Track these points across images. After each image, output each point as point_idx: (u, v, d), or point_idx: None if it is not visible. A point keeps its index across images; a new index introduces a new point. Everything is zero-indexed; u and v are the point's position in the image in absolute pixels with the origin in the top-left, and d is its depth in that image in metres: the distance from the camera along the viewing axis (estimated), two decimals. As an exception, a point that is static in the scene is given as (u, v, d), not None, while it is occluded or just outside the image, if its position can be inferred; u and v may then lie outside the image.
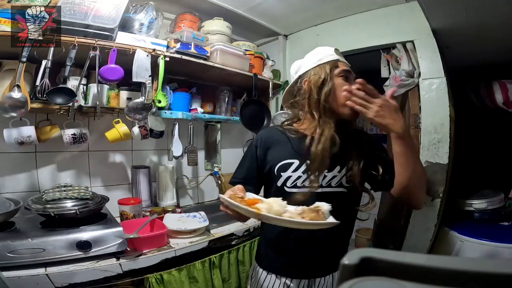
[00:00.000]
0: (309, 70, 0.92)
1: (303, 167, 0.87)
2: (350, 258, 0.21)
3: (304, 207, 0.71)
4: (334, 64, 0.89)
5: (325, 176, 0.86)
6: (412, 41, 1.54)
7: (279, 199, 0.72)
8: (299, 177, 0.87)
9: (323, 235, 0.81)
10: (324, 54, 0.92)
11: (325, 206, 0.70)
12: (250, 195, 0.76)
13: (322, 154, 0.82)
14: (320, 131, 0.85)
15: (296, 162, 0.88)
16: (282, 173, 0.89)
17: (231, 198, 0.69)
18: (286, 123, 0.99)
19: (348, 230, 0.99)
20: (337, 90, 0.86)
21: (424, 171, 0.89)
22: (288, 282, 0.91)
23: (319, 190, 0.85)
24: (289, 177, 0.88)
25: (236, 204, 0.64)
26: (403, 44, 1.57)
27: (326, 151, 0.82)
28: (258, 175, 0.94)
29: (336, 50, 0.94)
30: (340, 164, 0.86)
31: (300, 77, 0.95)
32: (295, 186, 0.87)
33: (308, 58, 0.95)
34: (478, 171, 2.05)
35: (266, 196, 0.94)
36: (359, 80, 0.78)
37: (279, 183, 0.89)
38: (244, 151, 1.17)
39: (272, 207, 0.63)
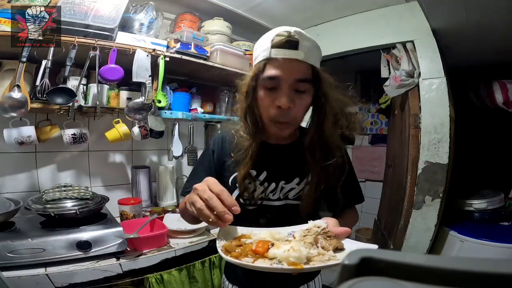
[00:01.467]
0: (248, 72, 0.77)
1: (262, 175, 0.77)
2: (350, 258, 0.21)
3: (303, 228, 0.59)
4: (262, 66, 0.69)
5: (282, 188, 0.77)
6: (412, 41, 1.55)
7: (269, 231, 0.59)
8: (256, 188, 0.77)
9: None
10: (260, 48, 0.71)
11: (322, 224, 0.58)
12: (249, 231, 0.60)
13: (278, 163, 0.75)
14: (253, 142, 0.75)
15: (253, 172, 0.77)
16: (237, 185, 0.78)
17: (226, 249, 0.53)
18: (235, 129, 0.84)
19: None
20: (259, 102, 0.72)
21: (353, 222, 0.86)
22: None
23: (277, 203, 0.77)
24: (245, 189, 0.77)
25: (248, 265, 0.48)
26: (403, 44, 1.58)
27: (281, 160, 0.75)
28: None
29: (275, 39, 0.67)
30: (299, 176, 0.77)
31: None
32: (251, 199, 0.77)
33: (254, 51, 0.77)
34: (478, 171, 2.06)
35: None
36: None
37: (233, 196, 0.77)
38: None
39: (302, 253, 0.47)
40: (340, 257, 0.49)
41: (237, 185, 0.78)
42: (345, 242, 0.55)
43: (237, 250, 0.51)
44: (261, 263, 0.48)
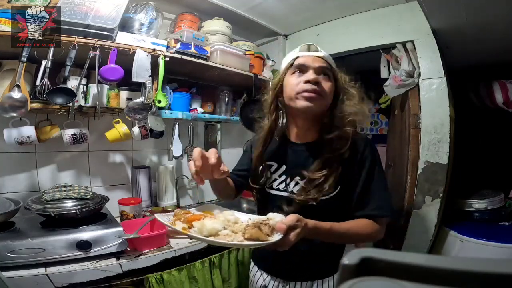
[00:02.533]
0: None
1: (280, 170, 0.88)
2: (350, 258, 0.21)
3: (258, 218, 0.68)
4: (290, 63, 0.85)
5: (297, 183, 0.83)
6: (412, 41, 1.55)
7: (232, 213, 0.72)
8: (274, 179, 0.88)
9: (308, 242, 0.72)
10: (287, 58, 0.88)
11: (277, 218, 0.64)
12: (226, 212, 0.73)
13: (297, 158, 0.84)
14: (294, 135, 0.87)
15: (275, 165, 0.88)
16: (263, 174, 0.89)
17: (176, 214, 0.69)
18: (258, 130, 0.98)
19: None
20: (286, 87, 0.84)
21: (355, 238, 0.82)
22: (278, 283, 0.89)
23: (292, 196, 0.82)
24: (269, 178, 0.89)
25: (167, 225, 0.65)
26: (403, 44, 1.57)
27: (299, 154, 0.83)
28: (248, 171, 0.96)
29: (302, 46, 0.86)
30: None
31: None
32: (271, 188, 0.88)
33: (282, 65, 0.91)
34: (478, 171, 2.05)
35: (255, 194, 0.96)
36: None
37: (261, 182, 0.90)
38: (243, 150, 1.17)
39: (204, 226, 0.60)
40: (242, 242, 0.60)
41: (263, 174, 0.89)
42: (275, 236, 0.61)
43: (182, 218, 0.67)
44: (178, 226, 0.63)
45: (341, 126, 0.80)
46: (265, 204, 0.91)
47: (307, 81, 0.78)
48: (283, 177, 0.87)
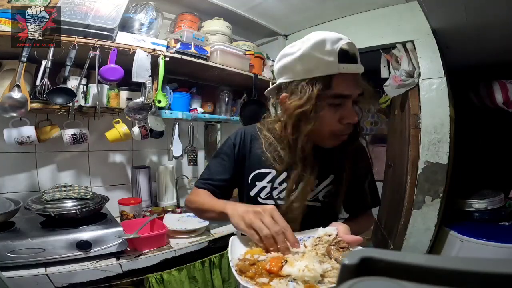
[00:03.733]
0: (293, 81, 0.69)
1: (280, 178, 0.78)
2: (350, 258, 0.21)
3: (313, 238, 0.59)
4: (326, 81, 0.64)
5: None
6: (412, 41, 1.55)
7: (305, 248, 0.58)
8: (274, 188, 0.78)
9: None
10: (319, 58, 0.64)
11: (332, 231, 0.58)
12: (240, 249, 0.59)
13: (301, 169, 0.72)
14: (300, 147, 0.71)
15: (273, 172, 0.78)
16: (257, 182, 0.80)
17: (241, 269, 0.52)
18: (269, 125, 0.83)
19: None
20: (322, 124, 0.67)
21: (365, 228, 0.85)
22: None
23: (312, 203, 0.78)
24: (263, 187, 0.79)
25: None
26: (403, 44, 1.57)
27: (307, 165, 0.73)
28: (232, 178, 0.83)
29: (343, 48, 0.65)
30: (318, 178, 0.77)
31: (281, 86, 0.74)
32: (269, 198, 0.79)
33: (296, 59, 0.68)
34: (478, 171, 2.05)
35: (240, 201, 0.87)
36: None
37: (252, 193, 0.81)
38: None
39: (316, 271, 0.47)
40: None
41: (256, 182, 0.80)
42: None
43: (251, 271, 0.50)
44: (277, 284, 0.47)
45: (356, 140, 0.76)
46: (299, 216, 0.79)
47: (348, 123, 0.67)
48: (284, 184, 0.77)
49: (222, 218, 0.70)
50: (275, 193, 0.79)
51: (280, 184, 0.78)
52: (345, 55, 0.65)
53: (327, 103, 0.66)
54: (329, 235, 0.57)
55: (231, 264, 0.54)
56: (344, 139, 0.72)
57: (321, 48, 0.65)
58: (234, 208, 0.65)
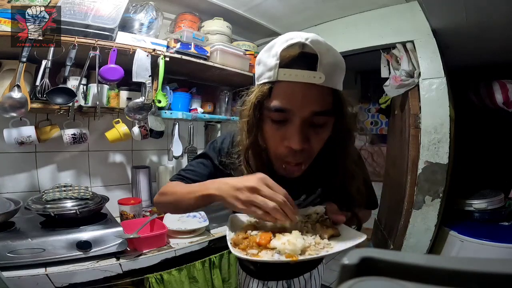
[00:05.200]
0: (250, 92, 0.62)
1: None
2: (350, 258, 0.21)
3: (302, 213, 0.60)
4: (267, 90, 0.55)
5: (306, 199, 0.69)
6: (412, 41, 1.55)
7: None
8: None
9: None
10: (264, 62, 0.57)
11: (318, 209, 0.60)
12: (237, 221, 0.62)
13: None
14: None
15: None
16: None
17: (235, 242, 0.54)
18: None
19: None
20: (266, 134, 0.60)
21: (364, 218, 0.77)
22: (268, 283, 0.86)
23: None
24: None
25: (252, 259, 0.51)
26: (403, 44, 1.57)
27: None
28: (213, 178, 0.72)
29: (285, 52, 0.54)
30: (305, 193, 0.66)
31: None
32: None
33: (257, 64, 0.61)
34: (478, 171, 2.05)
35: None
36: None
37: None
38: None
39: (296, 246, 0.50)
40: (334, 245, 0.53)
41: None
42: (341, 229, 0.58)
43: (244, 242, 0.55)
44: (264, 255, 0.52)
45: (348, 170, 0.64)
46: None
47: (289, 148, 0.56)
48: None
49: (204, 203, 0.60)
50: None
51: None
52: (294, 58, 0.54)
53: (269, 117, 0.57)
54: (317, 213, 0.60)
55: (227, 238, 0.57)
56: (291, 168, 0.59)
57: (270, 46, 0.56)
58: (220, 188, 0.55)
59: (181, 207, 0.67)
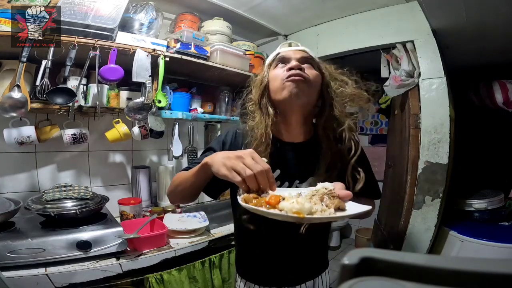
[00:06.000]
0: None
1: (276, 174, 0.78)
2: (350, 258, 0.21)
3: (309, 190, 0.63)
4: (274, 58, 0.83)
5: (296, 187, 0.77)
6: (412, 41, 1.55)
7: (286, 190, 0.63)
8: None
9: (301, 242, 0.80)
10: (270, 57, 0.86)
11: (328, 186, 0.62)
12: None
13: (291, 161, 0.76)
14: (265, 138, 0.75)
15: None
16: None
17: (245, 200, 0.58)
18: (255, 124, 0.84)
19: (324, 235, 0.94)
20: (271, 81, 0.80)
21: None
22: None
23: None
24: None
25: (258, 209, 0.54)
26: (403, 44, 1.57)
27: (291, 159, 0.76)
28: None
29: (284, 44, 0.86)
30: (299, 178, 0.79)
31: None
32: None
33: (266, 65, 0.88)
34: (478, 171, 2.06)
35: (232, 202, 0.88)
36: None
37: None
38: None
39: (304, 206, 0.53)
40: (325, 215, 0.55)
41: None
42: (347, 204, 0.59)
43: (254, 201, 0.57)
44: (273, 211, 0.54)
45: (340, 122, 0.77)
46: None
47: (290, 68, 0.76)
48: (279, 182, 0.78)
49: (202, 175, 0.68)
50: None
51: (276, 180, 0.77)
52: (288, 45, 0.86)
53: (275, 65, 0.81)
54: (326, 188, 0.62)
55: (238, 197, 0.59)
56: (293, 85, 0.75)
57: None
58: (213, 157, 0.64)
59: (186, 187, 0.74)
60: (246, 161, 0.58)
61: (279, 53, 0.83)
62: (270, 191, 0.59)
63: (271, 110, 0.78)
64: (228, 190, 0.88)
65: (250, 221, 0.74)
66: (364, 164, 0.80)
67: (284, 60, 0.80)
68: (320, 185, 0.63)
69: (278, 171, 0.78)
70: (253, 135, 0.79)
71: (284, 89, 0.76)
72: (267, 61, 0.86)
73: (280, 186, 0.77)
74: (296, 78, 0.75)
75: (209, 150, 0.85)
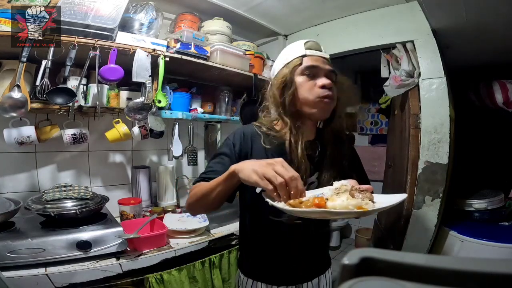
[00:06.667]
0: (277, 73, 0.86)
1: None
2: (350, 258, 0.21)
3: (331, 189, 0.65)
4: (298, 61, 0.82)
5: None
6: (412, 41, 1.55)
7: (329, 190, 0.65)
8: None
9: (302, 240, 0.84)
10: (291, 52, 0.85)
11: (345, 183, 0.65)
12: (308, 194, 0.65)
13: (299, 162, 0.78)
14: (294, 138, 0.80)
15: None
16: None
17: (292, 205, 0.58)
18: (264, 125, 0.88)
19: (326, 234, 0.99)
20: (299, 89, 0.81)
21: None
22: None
23: None
24: None
25: (310, 211, 0.55)
26: (403, 44, 1.57)
27: (302, 159, 0.79)
28: None
29: (308, 43, 0.84)
30: (318, 170, 0.84)
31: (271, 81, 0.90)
32: None
33: (278, 59, 0.89)
34: (478, 171, 2.05)
35: (242, 202, 0.90)
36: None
37: (258, 189, 0.78)
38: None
39: (359, 202, 0.55)
40: (380, 203, 0.57)
41: None
42: (374, 196, 0.60)
43: (302, 206, 0.57)
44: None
45: (341, 126, 0.86)
46: (256, 207, 0.83)
47: (323, 86, 0.79)
48: None
49: (229, 185, 0.68)
50: None
51: None
52: (312, 46, 0.84)
53: (303, 74, 0.81)
54: (345, 185, 0.63)
55: (277, 205, 0.58)
56: (326, 105, 0.80)
57: (293, 45, 0.87)
58: (241, 165, 0.65)
59: (212, 197, 0.73)
60: (277, 168, 0.59)
61: (305, 55, 0.82)
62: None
63: (294, 115, 0.82)
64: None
65: (288, 218, 0.76)
66: (357, 159, 0.95)
67: (313, 71, 0.81)
68: (337, 183, 0.66)
69: (316, 174, 0.84)
70: (272, 138, 0.83)
71: (315, 105, 0.80)
72: (287, 57, 0.84)
73: None
74: (329, 100, 0.80)
75: (220, 155, 0.85)
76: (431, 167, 1.51)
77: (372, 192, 0.62)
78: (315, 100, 0.79)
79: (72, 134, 1.29)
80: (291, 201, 0.57)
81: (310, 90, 0.80)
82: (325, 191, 0.66)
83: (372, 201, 0.58)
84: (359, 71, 2.94)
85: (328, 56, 0.85)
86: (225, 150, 0.85)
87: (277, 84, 0.83)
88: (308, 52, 0.82)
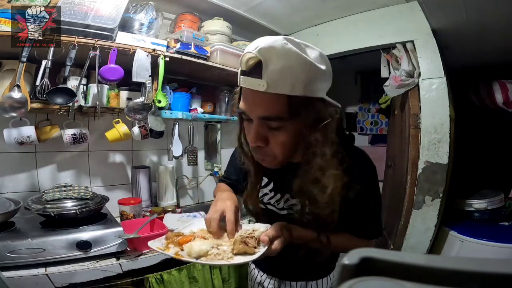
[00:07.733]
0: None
1: (270, 185, 0.78)
2: (350, 258, 0.21)
3: (245, 230, 0.67)
4: (239, 89, 0.64)
5: (287, 200, 0.76)
6: (412, 41, 1.55)
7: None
8: (265, 194, 0.79)
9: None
10: (240, 63, 0.63)
11: (261, 228, 0.65)
12: (193, 227, 0.72)
13: (283, 176, 0.70)
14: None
15: (265, 180, 0.77)
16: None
17: (168, 237, 0.71)
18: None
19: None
20: (246, 133, 0.66)
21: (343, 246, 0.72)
22: (273, 281, 0.89)
23: (281, 212, 0.78)
24: (265, 193, 0.80)
25: (160, 252, 0.68)
26: (403, 44, 1.58)
27: (285, 173, 0.68)
28: (242, 178, 0.83)
29: (248, 62, 0.59)
30: (280, 192, 0.78)
31: None
32: (261, 202, 0.80)
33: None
34: (478, 171, 2.06)
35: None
36: None
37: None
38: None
39: (193, 249, 0.61)
40: (234, 259, 0.60)
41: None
42: (264, 248, 0.62)
43: (171, 239, 0.70)
44: (171, 251, 0.66)
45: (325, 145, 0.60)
46: (257, 214, 0.83)
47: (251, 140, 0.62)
48: (273, 193, 0.78)
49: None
50: (265, 198, 0.81)
51: (270, 191, 0.79)
52: (250, 66, 0.59)
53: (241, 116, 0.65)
54: (254, 230, 0.66)
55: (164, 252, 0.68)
56: (264, 162, 0.65)
57: (246, 49, 0.60)
58: (212, 205, 0.72)
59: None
60: (214, 210, 0.69)
61: (241, 87, 0.61)
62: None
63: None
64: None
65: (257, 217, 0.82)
66: (360, 199, 0.65)
67: (245, 115, 0.61)
68: (256, 225, 0.69)
69: (272, 184, 0.78)
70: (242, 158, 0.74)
71: (253, 151, 0.66)
72: (240, 67, 0.62)
73: (272, 197, 0.80)
74: (261, 158, 0.65)
75: (231, 156, 0.93)
76: (431, 167, 1.51)
77: (275, 239, 0.61)
78: (253, 150, 0.65)
79: (72, 134, 1.29)
80: (169, 234, 0.71)
81: (248, 134, 0.63)
82: (262, 228, 0.66)
83: (249, 252, 0.60)
84: (359, 71, 2.94)
85: (265, 85, 0.53)
86: (235, 152, 0.89)
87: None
88: (242, 80, 0.58)
